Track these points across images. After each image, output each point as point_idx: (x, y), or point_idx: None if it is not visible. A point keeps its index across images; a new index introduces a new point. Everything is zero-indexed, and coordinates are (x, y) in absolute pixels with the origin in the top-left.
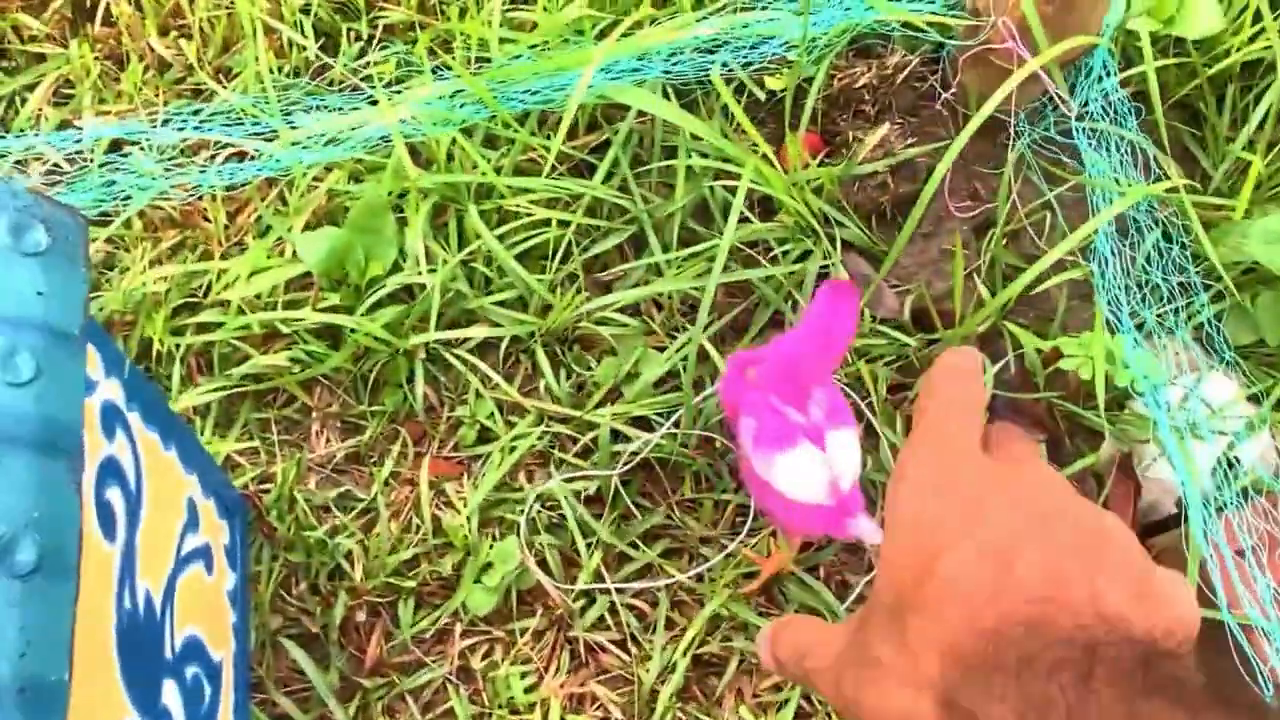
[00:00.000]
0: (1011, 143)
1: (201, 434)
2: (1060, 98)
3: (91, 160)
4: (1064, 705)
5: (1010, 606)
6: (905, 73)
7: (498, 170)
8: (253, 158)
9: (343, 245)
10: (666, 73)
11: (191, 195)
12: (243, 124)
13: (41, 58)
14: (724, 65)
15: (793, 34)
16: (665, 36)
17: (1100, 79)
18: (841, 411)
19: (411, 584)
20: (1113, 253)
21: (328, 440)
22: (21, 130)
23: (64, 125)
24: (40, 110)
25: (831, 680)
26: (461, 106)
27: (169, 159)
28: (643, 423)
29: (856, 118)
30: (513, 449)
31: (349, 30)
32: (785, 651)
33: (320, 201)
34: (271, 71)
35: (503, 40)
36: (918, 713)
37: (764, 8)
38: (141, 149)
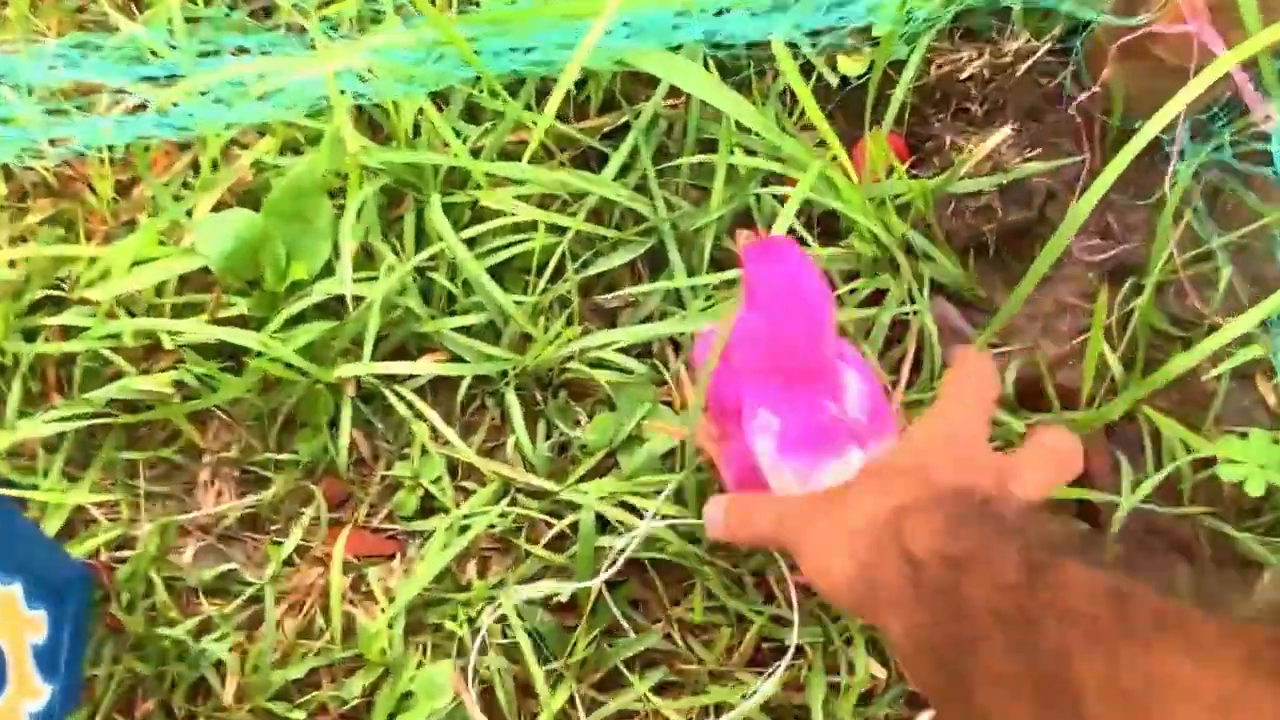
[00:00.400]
0: (1172, 168)
1: (45, 476)
2: (1257, 115)
3: None
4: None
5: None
6: (1028, 64)
7: (475, 153)
8: (161, 113)
9: (256, 236)
10: (711, 34)
11: (73, 152)
12: (146, 66)
13: None
14: (792, 32)
15: (881, 7)
16: None
17: None
18: (886, 417)
19: (300, 714)
20: None
21: (219, 494)
22: None
23: None
24: None
25: (801, 524)
26: (436, 61)
27: (50, 106)
28: (644, 507)
29: (957, 118)
30: (464, 528)
31: None
32: (767, 521)
33: (243, 175)
34: (197, 2)
35: None
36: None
37: None
38: (15, 90)
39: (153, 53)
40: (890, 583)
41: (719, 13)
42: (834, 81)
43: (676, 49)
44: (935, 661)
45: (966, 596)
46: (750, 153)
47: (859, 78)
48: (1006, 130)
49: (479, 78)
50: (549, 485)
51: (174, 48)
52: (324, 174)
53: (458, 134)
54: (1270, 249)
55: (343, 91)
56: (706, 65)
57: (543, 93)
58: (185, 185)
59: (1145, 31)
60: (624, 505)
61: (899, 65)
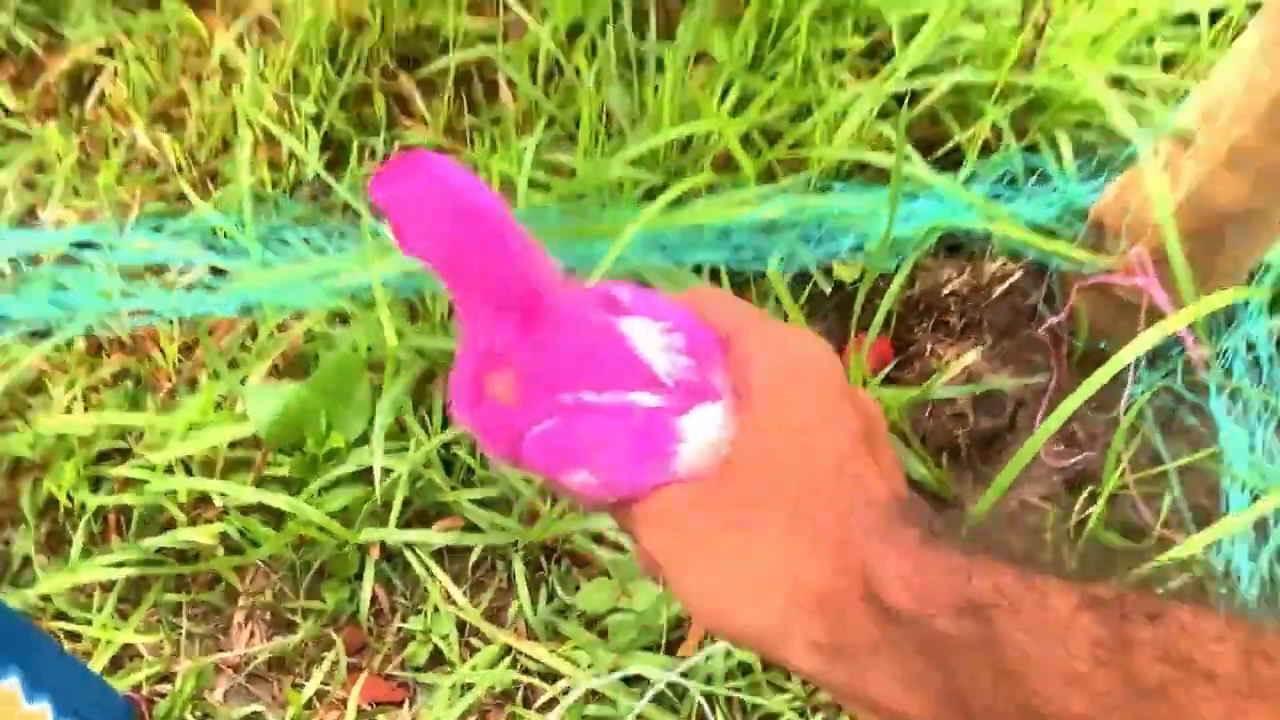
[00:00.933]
0: (1127, 393)
1: (99, 612)
2: (1197, 359)
3: (42, 259)
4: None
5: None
6: (1004, 285)
7: None
8: (225, 278)
9: (300, 407)
10: (722, 250)
11: (145, 320)
12: (216, 245)
13: (23, 135)
14: (787, 255)
15: (872, 229)
16: (720, 213)
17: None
18: (710, 345)
19: None
20: (1249, 558)
21: (251, 635)
22: None
23: (30, 211)
24: (6, 192)
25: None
26: None
27: (129, 274)
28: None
29: (938, 329)
30: (468, 685)
31: (361, 146)
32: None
33: (295, 341)
34: (265, 185)
35: (533, 184)
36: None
37: (844, 190)
38: (100, 250)
39: (221, 231)
40: (864, 646)
41: (725, 231)
42: (828, 289)
43: (697, 268)
44: None
45: (1017, 655)
46: None
47: (853, 282)
48: (981, 350)
49: None
50: (544, 657)
51: (242, 227)
52: (367, 352)
53: None
54: (1217, 471)
55: (385, 285)
56: (715, 274)
57: None
58: (243, 346)
59: (1106, 279)
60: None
61: (890, 277)
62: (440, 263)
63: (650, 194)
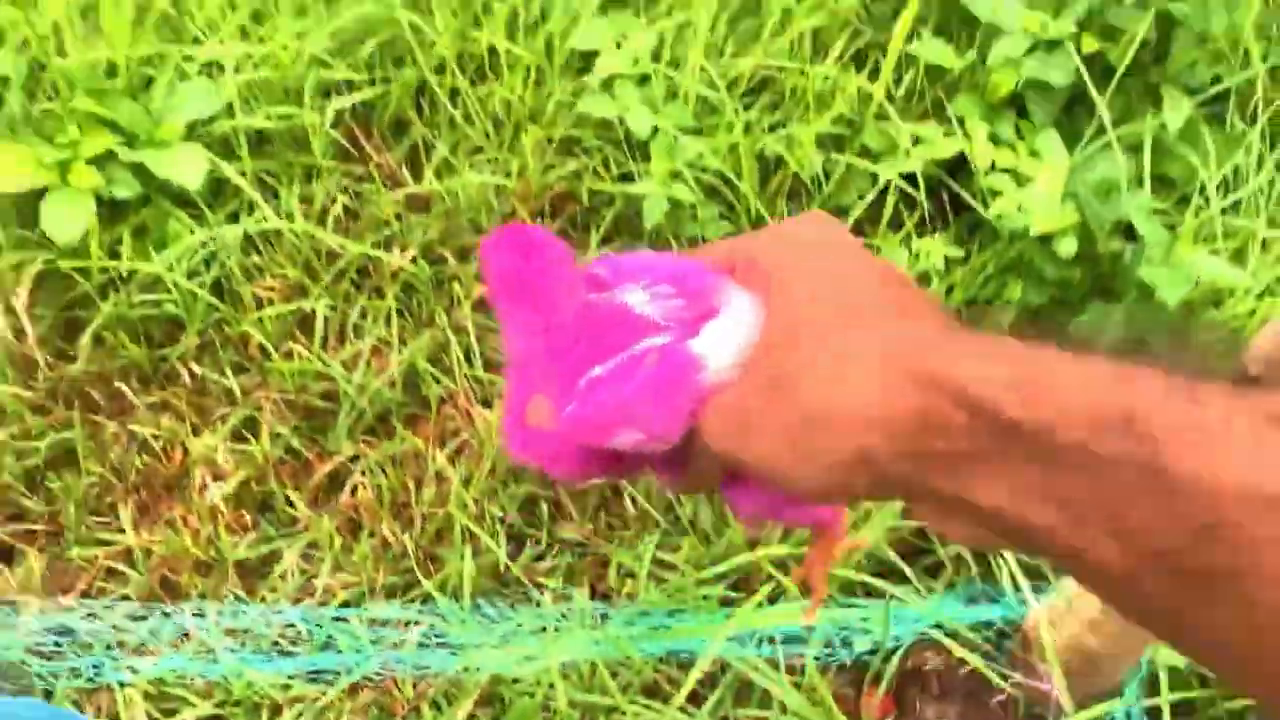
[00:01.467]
0: None
1: None
2: None
3: (319, 626)
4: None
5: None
6: (968, 667)
7: (624, 689)
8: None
9: None
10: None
11: (388, 674)
12: (437, 609)
13: (298, 520)
14: (821, 650)
15: (876, 632)
16: (777, 620)
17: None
18: (699, 279)
19: None
20: None
21: None
22: (274, 587)
23: (308, 579)
24: (289, 568)
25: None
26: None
27: (376, 636)
28: None
29: (924, 692)
30: None
31: (534, 539)
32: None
33: (484, 683)
34: (468, 569)
35: (651, 574)
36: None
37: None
38: (359, 622)
39: (444, 604)
40: (962, 456)
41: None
42: (848, 661)
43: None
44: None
45: (1185, 473)
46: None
47: (868, 651)
48: (954, 710)
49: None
50: None
51: (456, 600)
52: (540, 700)
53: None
54: None
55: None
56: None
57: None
58: (451, 683)
59: (1028, 684)
60: None
61: (893, 652)
62: (509, 299)
63: (724, 599)
